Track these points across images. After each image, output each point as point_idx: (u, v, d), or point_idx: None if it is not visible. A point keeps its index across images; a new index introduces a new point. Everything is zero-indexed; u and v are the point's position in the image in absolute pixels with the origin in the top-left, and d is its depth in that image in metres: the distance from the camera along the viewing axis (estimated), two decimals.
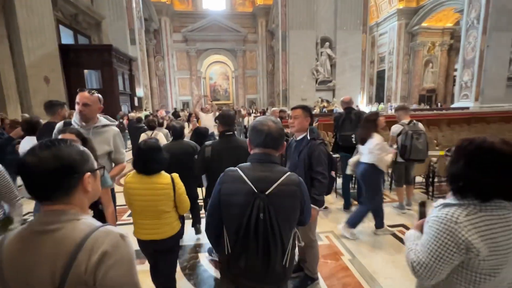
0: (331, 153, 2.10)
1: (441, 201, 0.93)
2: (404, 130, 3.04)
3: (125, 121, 7.66)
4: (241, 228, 1.06)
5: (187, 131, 4.29)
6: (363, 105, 16.15)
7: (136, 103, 12.41)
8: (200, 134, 3.78)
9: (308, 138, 2.02)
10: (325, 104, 14.55)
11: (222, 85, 24.01)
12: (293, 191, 1.11)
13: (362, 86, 16.51)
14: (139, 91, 13.51)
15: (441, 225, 0.85)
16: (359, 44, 15.63)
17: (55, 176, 0.66)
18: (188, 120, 4.52)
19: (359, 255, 2.60)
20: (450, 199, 0.91)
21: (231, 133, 2.16)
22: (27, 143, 2.27)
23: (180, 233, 1.81)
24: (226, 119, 2.17)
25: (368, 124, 2.73)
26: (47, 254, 0.64)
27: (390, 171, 4.22)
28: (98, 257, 0.63)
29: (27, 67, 7.44)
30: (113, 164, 2.05)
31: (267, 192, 1.07)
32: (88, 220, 0.71)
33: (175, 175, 1.74)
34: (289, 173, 1.13)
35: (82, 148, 0.75)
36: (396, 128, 3.24)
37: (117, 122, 2.09)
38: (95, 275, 0.63)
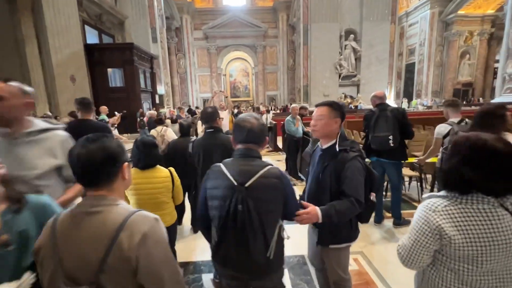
0: (369, 167, 1.48)
1: (429, 193, 1.00)
2: (452, 131, 2.42)
3: (145, 118, 7.72)
4: (221, 220, 1.12)
5: (201, 129, 4.11)
6: (391, 100, 15.18)
7: (157, 101, 12.59)
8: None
9: (337, 149, 1.42)
10: (348, 100, 13.86)
11: (242, 82, 23.84)
12: (273, 183, 1.12)
13: (390, 81, 15.56)
14: (160, 89, 13.72)
15: (422, 213, 0.93)
16: (386, 36, 14.68)
17: (101, 166, 0.77)
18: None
19: (395, 286, 2.11)
20: (440, 192, 0.97)
21: (212, 130, 2.19)
22: None
23: (176, 223, 1.98)
24: (205, 117, 2.24)
25: (494, 121, 1.83)
26: (93, 232, 0.75)
27: (422, 175, 3.76)
28: (139, 238, 0.73)
29: (54, 66, 7.71)
30: (66, 184, 1.40)
31: (246, 185, 1.10)
32: (125, 205, 0.82)
33: (172, 169, 1.88)
34: (270, 166, 1.16)
35: (120, 141, 0.86)
36: (442, 128, 2.61)
37: (62, 125, 1.57)
38: (138, 253, 0.73)
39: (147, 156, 1.75)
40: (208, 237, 1.30)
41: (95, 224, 0.75)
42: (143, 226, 0.76)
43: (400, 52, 20.06)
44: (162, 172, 1.81)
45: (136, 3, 12.87)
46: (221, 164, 1.20)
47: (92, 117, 2.49)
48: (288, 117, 4.74)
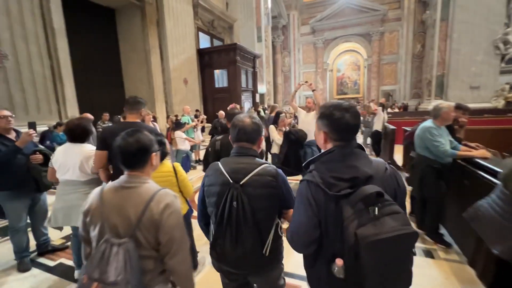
0: None
1: None
2: None
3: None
4: (217, 216, 1.16)
5: (276, 135, 3.11)
6: None
7: (257, 99, 12.62)
8: (294, 141, 2.55)
9: None
10: None
11: (351, 77, 21.30)
12: (267, 181, 1.14)
13: None
14: (262, 88, 13.73)
15: None
16: None
17: (136, 154, 1.04)
18: (275, 122, 3.14)
19: None
20: None
21: None
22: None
23: (188, 214, 2.04)
24: (231, 117, 2.19)
25: None
26: (131, 201, 1.02)
27: None
28: (163, 206, 1.01)
29: (171, 70, 8.70)
30: None
31: (241, 182, 1.13)
32: (153, 183, 1.10)
33: (176, 164, 1.97)
34: (265, 164, 1.17)
35: (150, 135, 1.11)
36: None
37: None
38: (161, 217, 1.00)
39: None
40: (206, 234, 1.33)
41: (134, 195, 1.03)
42: (166, 199, 1.04)
43: None
44: (165, 167, 1.90)
45: (245, 5, 13.29)
46: (219, 162, 1.23)
47: (139, 118, 2.09)
48: (429, 123, 2.46)
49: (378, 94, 19.09)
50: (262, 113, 10.43)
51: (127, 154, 1.03)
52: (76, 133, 1.94)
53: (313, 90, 3.46)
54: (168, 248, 1.02)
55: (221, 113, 6.52)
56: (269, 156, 3.34)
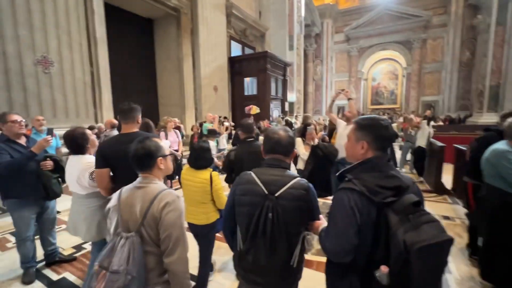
0: None
1: None
2: None
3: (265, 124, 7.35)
4: (250, 226, 1.16)
5: (302, 149, 2.77)
6: None
7: (286, 108, 12.36)
8: (322, 157, 2.25)
9: None
10: None
11: (388, 86, 20.17)
12: (300, 194, 1.15)
13: None
14: (291, 96, 13.46)
15: None
16: None
17: (142, 158, 1.15)
18: (303, 134, 2.80)
19: None
20: None
21: (252, 139, 2.32)
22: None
23: (215, 223, 1.97)
24: (246, 127, 2.38)
25: None
26: (140, 198, 1.12)
27: None
28: (163, 204, 1.09)
29: (202, 78, 8.85)
30: None
31: (276, 194, 1.13)
32: (161, 184, 1.19)
33: (214, 173, 1.94)
34: (298, 178, 1.19)
35: (156, 142, 1.21)
36: None
37: None
38: (161, 213, 1.08)
39: (197, 158, 1.93)
40: (230, 242, 1.34)
41: (142, 194, 1.13)
42: (167, 198, 1.11)
43: None
44: (203, 174, 1.91)
45: (278, 14, 13.27)
46: (251, 172, 1.23)
47: (136, 127, 1.80)
48: (503, 146, 1.88)
49: (418, 105, 17.72)
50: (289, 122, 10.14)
51: (136, 158, 1.15)
52: (70, 145, 1.81)
53: (349, 99, 3.10)
54: (166, 245, 1.09)
55: None
56: (293, 167, 3.01)
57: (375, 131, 1.01)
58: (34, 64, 4.61)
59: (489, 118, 9.63)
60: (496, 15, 9.88)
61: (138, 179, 1.18)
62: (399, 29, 17.60)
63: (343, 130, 3.14)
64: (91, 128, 4.46)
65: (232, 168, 2.30)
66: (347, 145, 1.13)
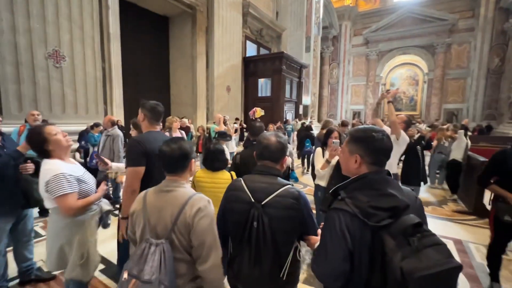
0: None
1: None
2: None
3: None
4: (237, 234, 1.16)
5: (319, 163, 2.35)
6: None
7: (300, 111, 11.98)
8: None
9: None
10: None
11: (407, 92, 19.35)
12: (289, 203, 1.11)
13: None
14: (306, 99, 13.06)
15: None
16: None
17: (178, 159, 1.11)
18: (325, 143, 2.41)
19: None
20: None
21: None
22: None
23: None
24: (254, 130, 2.31)
25: None
26: (169, 203, 1.07)
27: None
28: (196, 210, 1.04)
29: (215, 77, 8.65)
30: None
31: (263, 202, 1.11)
32: (189, 188, 1.15)
33: (233, 173, 2.02)
34: (288, 186, 1.15)
35: (190, 143, 1.18)
36: None
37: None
38: (193, 220, 1.03)
39: (214, 160, 1.95)
40: (224, 249, 1.25)
41: (171, 198, 1.08)
42: (199, 203, 1.07)
43: None
44: (224, 175, 1.98)
45: (295, 14, 12.94)
46: (241, 179, 1.22)
47: (160, 127, 1.77)
48: None
49: (439, 112, 16.85)
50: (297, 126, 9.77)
51: (171, 159, 1.10)
52: (33, 146, 1.48)
53: (389, 102, 2.59)
54: (199, 253, 1.05)
55: None
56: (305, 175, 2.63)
57: (368, 144, 0.93)
58: (45, 57, 4.52)
59: None
60: None
61: (165, 182, 1.12)
62: (422, 32, 16.82)
63: (396, 146, 2.65)
64: (96, 125, 4.30)
65: (238, 171, 2.21)
66: (341, 158, 1.07)
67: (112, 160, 3.21)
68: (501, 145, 6.43)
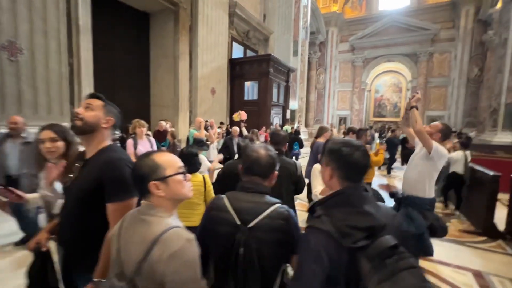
0: None
1: None
2: None
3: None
4: (220, 262, 1.05)
5: (318, 184, 1.87)
6: None
7: (288, 116, 11.72)
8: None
9: None
10: None
11: (391, 99, 19.78)
12: (279, 225, 1.01)
13: None
14: (293, 104, 12.84)
15: None
16: None
17: (134, 183, 0.95)
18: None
19: None
20: None
21: (277, 152, 1.60)
22: None
23: None
24: (276, 138, 2.10)
25: None
26: (139, 236, 0.84)
27: None
28: (169, 255, 0.77)
29: (199, 78, 8.19)
30: None
31: (250, 225, 1.00)
32: (166, 219, 0.88)
33: (206, 176, 2.08)
34: (277, 205, 1.05)
35: (161, 158, 0.95)
36: None
37: None
38: (164, 269, 0.77)
39: (188, 163, 1.84)
40: (204, 268, 1.09)
41: (142, 230, 0.85)
42: (173, 245, 0.79)
43: None
44: (197, 177, 2.00)
45: (283, 18, 12.76)
46: (224, 197, 1.09)
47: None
48: None
49: (423, 119, 17.20)
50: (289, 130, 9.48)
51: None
52: None
53: (412, 107, 2.18)
54: None
55: (235, 129, 5.15)
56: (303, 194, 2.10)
57: (338, 158, 0.90)
58: None
59: (503, 137, 9.04)
60: None
61: (141, 207, 0.93)
62: (406, 41, 17.22)
63: (417, 152, 2.27)
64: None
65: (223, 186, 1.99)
66: (321, 169, 1.01)
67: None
68: (489, 155, 6.40)
